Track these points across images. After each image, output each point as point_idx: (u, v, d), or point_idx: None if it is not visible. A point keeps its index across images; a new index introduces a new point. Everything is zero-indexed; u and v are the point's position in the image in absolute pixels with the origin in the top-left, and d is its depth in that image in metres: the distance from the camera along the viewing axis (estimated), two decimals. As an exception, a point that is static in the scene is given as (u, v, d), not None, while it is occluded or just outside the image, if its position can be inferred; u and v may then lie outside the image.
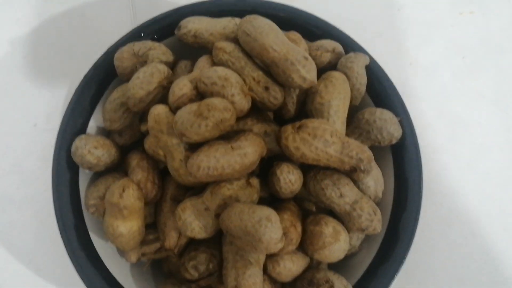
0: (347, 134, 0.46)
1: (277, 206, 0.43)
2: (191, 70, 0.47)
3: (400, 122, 0.47)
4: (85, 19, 0.60)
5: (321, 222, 0.42)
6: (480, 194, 0.58)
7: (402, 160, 0.47)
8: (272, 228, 0.36)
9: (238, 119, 0.43)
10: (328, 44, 0.48)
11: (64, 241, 0.44)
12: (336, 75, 0.45)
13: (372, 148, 0.44)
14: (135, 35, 0.49)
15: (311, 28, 0.50)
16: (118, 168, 0.48)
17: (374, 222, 0.42)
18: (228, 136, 0.42)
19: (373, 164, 0.42)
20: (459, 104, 0.61)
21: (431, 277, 0.55)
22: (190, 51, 0.49)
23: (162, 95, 0.44)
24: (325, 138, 0.40)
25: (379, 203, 0.46)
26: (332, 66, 0.48)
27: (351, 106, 0.47)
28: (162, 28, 0.49)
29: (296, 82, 0.42)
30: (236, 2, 0.50)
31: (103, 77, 0.48)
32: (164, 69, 0.44)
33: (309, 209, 0.46)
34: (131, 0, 0.61)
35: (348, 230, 0.43)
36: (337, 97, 0.44)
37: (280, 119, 0.47)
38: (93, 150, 0.44)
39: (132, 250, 0.45)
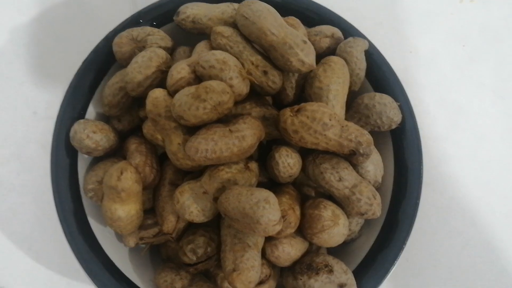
0: (347, 119, 0.46)
1: (276, 190, 0.42)
2: (190, 56, 0.47)
3: (400, 107, 0.46)
4: (85, 7, 0.60)
5: (320, 206, 0.42)
6: (480, 182, 0.58)
7: (402, 145, 0.47)
8: (270, 210, 0.36)
9: (237, 103, 0.43)
10: (327, 29, 0.48)
11: (62, 226, 0.44)
12: (335, 60, 0.45)
13: (371, 133, 0.44)
14: (134, 21, 0.49)
15: (309, 14, 0.50)
16: (116, 153, 0.48)
17: (374, 206, 0.42)
18: (227, 120, 0.42)
19: (373, 148, 0.42)
20: (459, 92, 0.61)
21: (432, 264, 0.55)
22: (189, 38, 0.49)
23: (160, 80, 0.44)
24: (324, 121, 0.40)
25: (378, 188, 0.46)
26: (331, 51, 0.48)
27: (351, 92, 0.47)
28: (161, 14, 0.50)
29: (295, 66, 0.42)
30: (235, -12, 0.50)
31: (103, 62, 0.48)
32: (162, 53, 0.44)
33: (308, 194, 0.46)
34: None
35: (348, 214, 0.43)
36: (336, 82, 0.44)
37: (279, 104, 0.47)
38: (91, 134, 0.44)
39: (130, 234, 0.45)
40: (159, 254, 0.48)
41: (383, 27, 0.62)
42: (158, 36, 0.47)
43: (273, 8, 0.43)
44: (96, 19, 0.60)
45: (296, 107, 0.41)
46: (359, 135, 0.41)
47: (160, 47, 0.47)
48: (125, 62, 0.46)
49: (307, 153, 0.44)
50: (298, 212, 0.42)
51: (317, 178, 0.43)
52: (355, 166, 0.44)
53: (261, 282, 0.43)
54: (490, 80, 0.61)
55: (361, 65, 0.47)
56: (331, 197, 0.44)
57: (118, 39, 0.47)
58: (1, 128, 0.56)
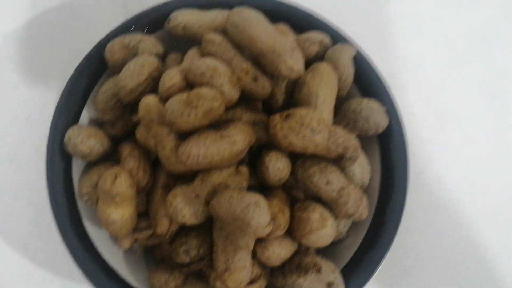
0: (335, 124, 0.47)
1: (266, 193, 0.44)
2: (181, 62, 0.48)
3: (387, 111, 0.48)
4: (77, 13, 0.61)
5: (308, 208, 0.43)
6: (466, 183, 0.59)
7: (389, 148, 0.48)
8: (260, 213, 0.38)
9: (227, 109, 0.44)
10: (315, 36, 0.49)
11: (58, 229, 0.45)
12: (323, 66, 0.46)
13: (359, 137, 0.45)
14: (125, 28, 0.50)
15: (298, 21, 0.50)
16: (110, 158, 0.48)
17: (361, 208, 0.44)
18: (218, 125, 0.43)
19: (360, 152, 0.43)
20: (446, 95, 0.62)
21: (418, 263, 0.57)
22: (180, 44, 0.49)
23: (152, 86, 0.45)
24: (312, 126, 0.41)
25: (365, 190, 0.47)
26: (320, 57, 0.49)
27: (339, 97, 0.48)
28: (152, 21, 0.50)
29: (284, 73, 0.43)
30: (225, -5, 0.51)
31: (95, 68, 0.49)
32: (154, 60, 0.45)
33: (297, 197, 0.47)
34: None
35: (335, 216, 0.45)
36: (324, 87, 0.45)
37: (268, 109, 0.48)
38: (85, 140, 0.45)
39: (124, 236, 0.46)
40: (153, 255, 0.50)
41: (371, 32, 0.63)
42: (149, 43, 0.48)
43: (263, 16, 0.44)
44: (87, 25, 0.61)
45: (285, 112, 0.42)
46: (347, 140, 0.42)
47: (152, 53, 0.47)
48: (118, 69, 0.47)
49: (296, 157, 0.45)
50: (287, 214, 0.43)
51: (306, 181, 0.44)
52: (342, 170, 0.45)
53: (252, 282, 0.44)
54: (477, 84, 0.63)
55: (349, 71, 0.48)
56: (320, 200, 0.45)
57: (110, 46, 0.47)
58: (-5, 132, 0.57)
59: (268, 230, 0.39)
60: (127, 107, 0.48)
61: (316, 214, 0.43)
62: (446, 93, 0.62)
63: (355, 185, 0.45)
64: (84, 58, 0.48)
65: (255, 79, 0.44)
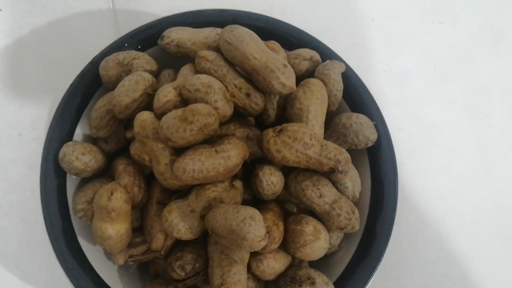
0: (325, 138, 0.48)
1: (260, 207, 0.44)
2: (174, 79, 0.49)
3: (375, 125, 0.49)
4: (69, 31, 0.61)
5: (302, 221, 0.44)
6: (452, 194, 0.61)
7: (378, 162, 0.49)
8: (255, 227, 0.38)
9: (221, 124, 0.45)
10: (306, 52, 0.50)
11: (53, 245, 0.45)
12: (314, 82, 0.47)
13: (349, 151, 0.46)
14: (119, 45, 0.50)
15: (289, 38, 0.52)
16: (104, 174, 0.49)
17: (352, 220, 0.45)
18: (212, 140, 0.43)
19: (351, 165, 0.45)
20: (431, 109, 0.64)
21: (408, 274, 0.58)
22: (172, 61, 0.50)
23: (147, 102, 0.46)
24: (304, 140, 0.42)
25: (357, 203, 0.48)
26: (310, 73, 0.50)
27: (329, 112, 0.49)
28: (145, 38, 0.51)
29: (276, 89, 0.44)
30: (217, 13, 0.52)
31: (89, 85, 0.49)
32: (148, 77, 0.46)
33: (290, 210, 0.48)
34: (113, 12, 0.62)
35: (328, 229, 0.45)
36: (315, 103, 0.46)
37: (261, 124, 0.49)
38: (80, 156, 0.45)
39: (119, 252, 0.46)
40: (148, 270, 0.50)
41: (358, 48, 0.65)
42: (143, 60, 0.49)
43: (255, 33, 0.45)
44: (79, 42, 0.61)
45: (278, 127, 0.43)
46: (338, 154, 0.43)
47: (146, 70, 0.48)
48: (112, 85, 0.48)
49: (289, 171, 0.46)
50: (281, 228, 0.44)
51: (299, 194, 0.45)
52: (334, 183, 0.46)
53: (247, 296, 0.45)
54: (460, 97, 0.65)
55: (339, 87, 0.49)
56: (312, 213, 0.46)
57: (105, 63, 0.48)
58: (-13, 150, 0.57)
59: (263, 243, 0.39)
60: (121, 123, 0.49)
61: (309, 227, 0.44)
62: (431, 107, 0.64)
63: (347, 198, 0.46)
64: (78, 75, 0.49)
65: (248, 95, 0.45)
